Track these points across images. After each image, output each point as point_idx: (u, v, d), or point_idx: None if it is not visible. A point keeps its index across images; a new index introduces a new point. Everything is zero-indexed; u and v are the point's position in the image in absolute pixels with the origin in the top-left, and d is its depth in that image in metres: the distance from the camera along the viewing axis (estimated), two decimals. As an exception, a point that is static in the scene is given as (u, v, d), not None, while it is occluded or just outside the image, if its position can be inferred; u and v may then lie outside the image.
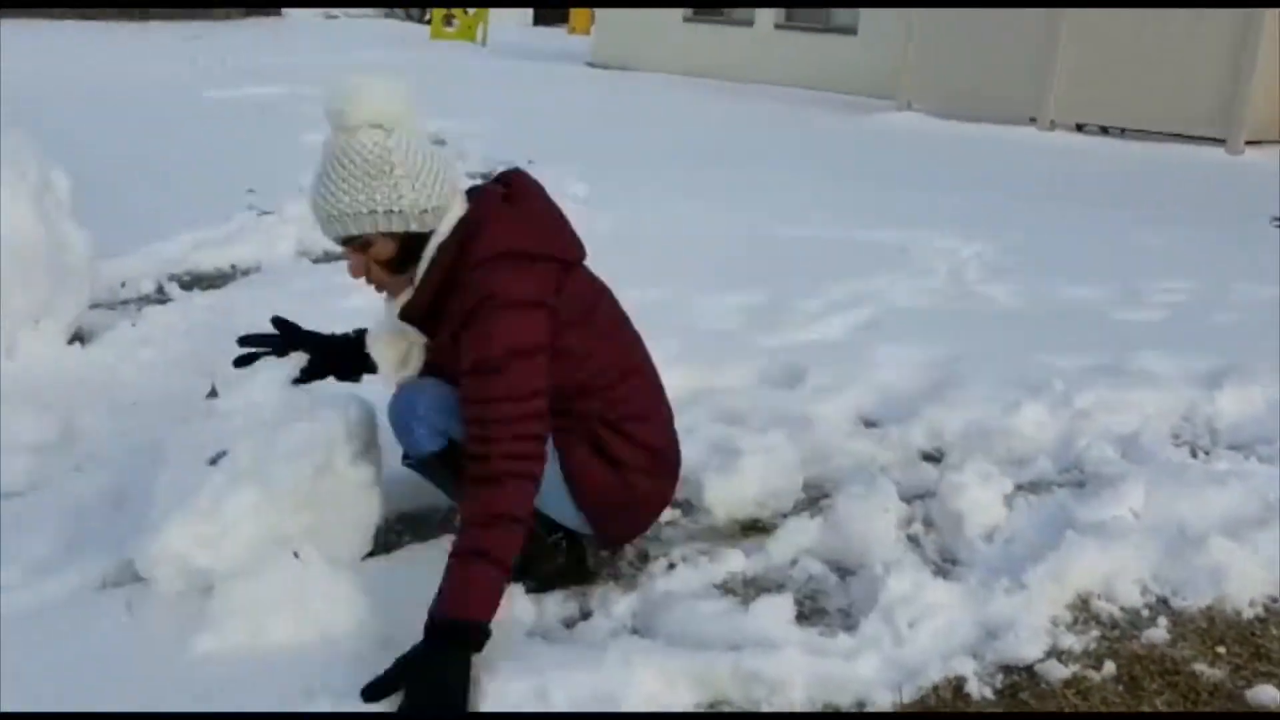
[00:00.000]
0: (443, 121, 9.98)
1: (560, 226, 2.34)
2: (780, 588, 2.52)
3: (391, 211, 2.14)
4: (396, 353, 2.38)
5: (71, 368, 3.58)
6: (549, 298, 2.19)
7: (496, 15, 24.90)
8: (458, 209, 2.23)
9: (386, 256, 2.21)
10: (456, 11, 24.54)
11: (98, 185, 5.34)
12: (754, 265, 5.38)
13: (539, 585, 2.43)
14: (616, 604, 2.41)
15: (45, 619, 2.20)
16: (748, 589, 2.52)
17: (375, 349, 2.37)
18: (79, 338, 3.85)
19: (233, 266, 5.28)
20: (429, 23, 28.43)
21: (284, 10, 27.24)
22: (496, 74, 16.44)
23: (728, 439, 3.09)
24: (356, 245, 2.20)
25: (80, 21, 21.50)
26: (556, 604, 2.42)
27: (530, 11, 35.00)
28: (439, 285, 2.22)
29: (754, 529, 2.81)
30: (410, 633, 2.01)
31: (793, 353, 3.99)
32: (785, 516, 2.84)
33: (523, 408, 2.11)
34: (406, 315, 2.28)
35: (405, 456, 2.37)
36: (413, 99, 2.19)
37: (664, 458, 2.46)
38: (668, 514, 2.78)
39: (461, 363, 2.15)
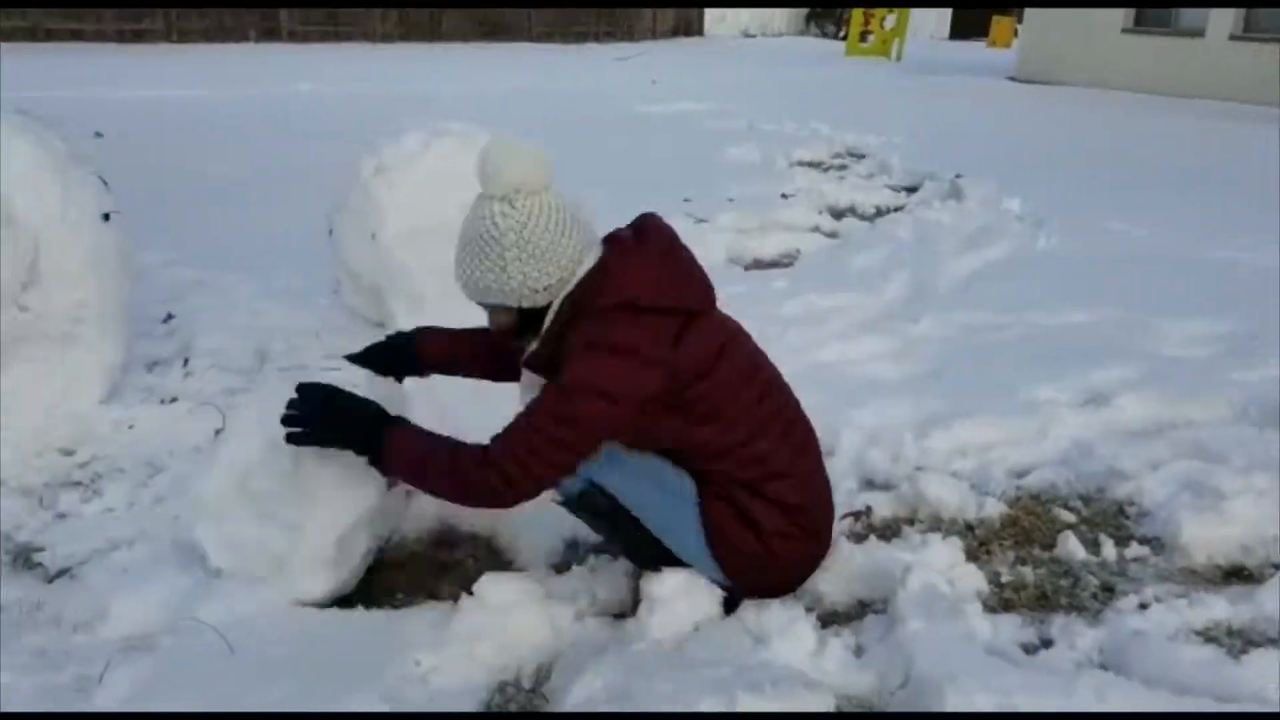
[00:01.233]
0: (863, 136, 9.99)
1: (687, 273, 2.25)
2: (1273, 643, 2.26)
3: (503, 291, 2.16)
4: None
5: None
6: (661, 352, 2.13)
7: (910, 29, 24.39)
8: (589, 263, 2.20)
9: (508, 324, 2.26)
10: (874, 25, 24.35)
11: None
12: (1218, 290, 4.89)
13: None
14: (1081, 636, 2.30)
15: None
16: (1233, 639, 2.30)
17: (522, 395, 2.32)
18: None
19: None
20: (843, 37, 28.54)
21: (705, 32, 28.33)
22: (913, 89, 16.16)
23: (1204, 476, 2.84)
24: (486, 308, 2.26)
25: (532, 44, 23.58)
26: (1014, 628, 2.33)
27: (948, 24, 34.11)
28: (559, 336, 2.20)
29: (1238, 576, 2.55)
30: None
31: (1274, 388, 3.58)
32: (1277, 567, 2.55)
33: (566, 439, 2.10)
34: (530, 364, 2.28)
35: (555, 500, 2.36)
36: (549, 169, 2.15)
37: (804, 515, 2.33)
38: (1134, 549, 2.59)
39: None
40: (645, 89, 14.95)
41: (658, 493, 2.29)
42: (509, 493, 2.13)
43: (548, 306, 2.21)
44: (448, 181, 4.10)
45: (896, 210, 6.92)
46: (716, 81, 16.23)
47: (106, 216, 3.78)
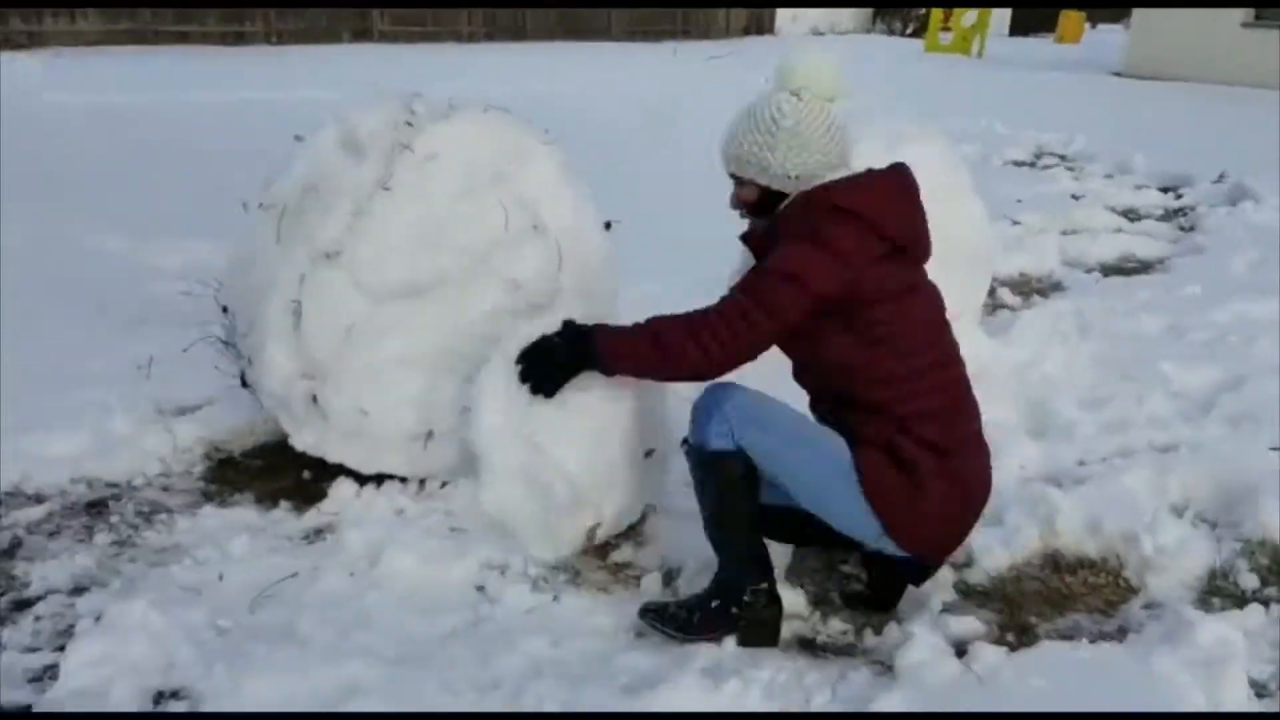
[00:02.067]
0: (1042, 134, 9.76)
1: (915, 216, 2.48)
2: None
3: (760, 166, 2.46)
4: None
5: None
6: (857, 260, 2.34)
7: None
8: (840, 173, 2.47)
9: (750, 199, 2.55)
10: (953, 22, 24.18)
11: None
12: None
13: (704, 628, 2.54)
14: None
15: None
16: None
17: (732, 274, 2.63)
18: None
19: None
20: (912, 35, 28.37)
21: (776, 31, 28.22)
22: (1030, 85, 16.01)
23: None
24: (736, 180, 2.56)
25: (614, 43, 23.50)
26: None
27: (1007, 21, 33.87)
28: (779, 220, 2.47)
29: None
30: None
31: None
32: None
33: (755, 316, 2.36)
34: (744, 238, 2.61)
35: (685, 440, 2.53)
36: (841, 80, 2.47)
37: (955, 459, 2.41)
38: None
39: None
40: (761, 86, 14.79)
41: (818, 456, 2.41)
42: (706, 364, 2.42)
43: (786, 199, 2.49)
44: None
45: (1182, 212, 6.78)
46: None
47: (608, 225, 3.67)
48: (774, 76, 2.51)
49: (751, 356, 2.45)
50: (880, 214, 2.39)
